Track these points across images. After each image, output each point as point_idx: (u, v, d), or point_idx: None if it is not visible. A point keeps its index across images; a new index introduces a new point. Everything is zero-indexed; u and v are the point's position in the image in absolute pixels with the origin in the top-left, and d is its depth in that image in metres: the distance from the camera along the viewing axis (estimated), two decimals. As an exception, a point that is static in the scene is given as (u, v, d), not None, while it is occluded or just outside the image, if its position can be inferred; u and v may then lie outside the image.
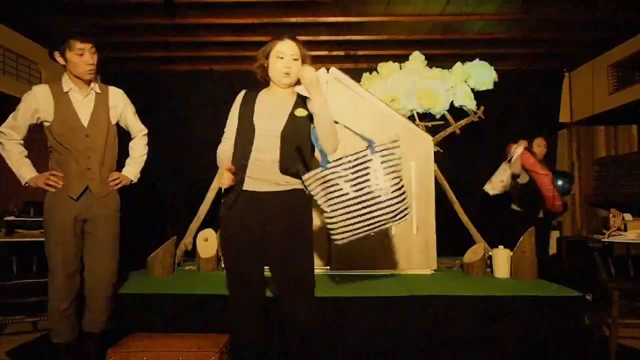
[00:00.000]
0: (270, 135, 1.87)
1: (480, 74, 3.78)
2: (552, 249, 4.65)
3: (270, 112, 1.92)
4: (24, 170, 2.21)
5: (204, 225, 3.58)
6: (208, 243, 3.45)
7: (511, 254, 3.19)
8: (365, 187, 1.71)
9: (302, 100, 1.95)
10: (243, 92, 2.01)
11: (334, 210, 1.73)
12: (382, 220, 1.73)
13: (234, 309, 1.95)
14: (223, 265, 3.31)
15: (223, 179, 1.83)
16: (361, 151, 1.73)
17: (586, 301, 2.61)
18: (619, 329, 2.65)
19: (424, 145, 3.37)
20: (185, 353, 2.05)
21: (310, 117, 1.90)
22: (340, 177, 1.71)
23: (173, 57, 4.45)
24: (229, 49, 4.28)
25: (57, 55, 2.16)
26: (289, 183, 1.88)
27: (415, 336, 2.50)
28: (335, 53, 4.42)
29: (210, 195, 3.63)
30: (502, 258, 3.20)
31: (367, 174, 1.71)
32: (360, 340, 2.49)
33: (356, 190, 1.70)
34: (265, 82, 2.02)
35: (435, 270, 3.34)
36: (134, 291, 2.65)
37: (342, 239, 1.76)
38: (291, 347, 1.93)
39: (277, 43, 1.90)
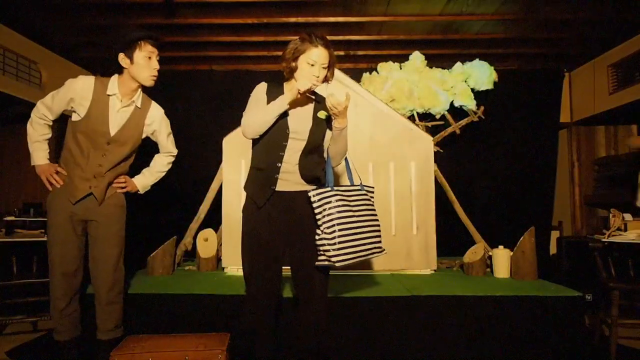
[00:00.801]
0: (299, 138, 1.86)
1: (480, 74, 3.78)
2: (552, 249, 4.66)
3: (298, 114, 1.89)
4: (37, 154, 2.18)
5: (204, 225, 3.58)
6: (208, 243, 3.46)
7: (511, 254, 3.20)
8: (364, 215, 1.87)
9: (319, 101, 1.93)
10: (265, 84, 1.92)
11: (341, 230, 1.76)
12: (373, 249, 1.87)
13: (248, 307, 1.92)
14: (223, 265, 3.34)
15: (301, 84, 1.77)
16: (360, 185, 1.94)
17: (586, 301, 2.61)
18: (619, 329, 2.65)
19: (424, 145, 3.38)
20: (191, 352, 2.00)
21: (327, 119, 1.90)
22: (345, 200, 1.83)
23: (173, 57, 4.45)
24: (229, 49, 4.27)
25: (121, 57, 2.06)
26: (310, 183, 1.90)
27: (415, 336, 2.50)
28: (335, 53, 4.42)
29: (210, 195, 3.63)
30: (502, 258, 3.21)
31: (365, 205, 1.90)
32: (360, 340, 2.49)
33: (358, 216, 1.83)
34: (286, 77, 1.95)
35: (435, 270, 3.35)
36: (134, 291, 2.65)
37: (342, 260, 1.76)
38: (304, 346, 1.90)
39: (309, 48, 1.81)
